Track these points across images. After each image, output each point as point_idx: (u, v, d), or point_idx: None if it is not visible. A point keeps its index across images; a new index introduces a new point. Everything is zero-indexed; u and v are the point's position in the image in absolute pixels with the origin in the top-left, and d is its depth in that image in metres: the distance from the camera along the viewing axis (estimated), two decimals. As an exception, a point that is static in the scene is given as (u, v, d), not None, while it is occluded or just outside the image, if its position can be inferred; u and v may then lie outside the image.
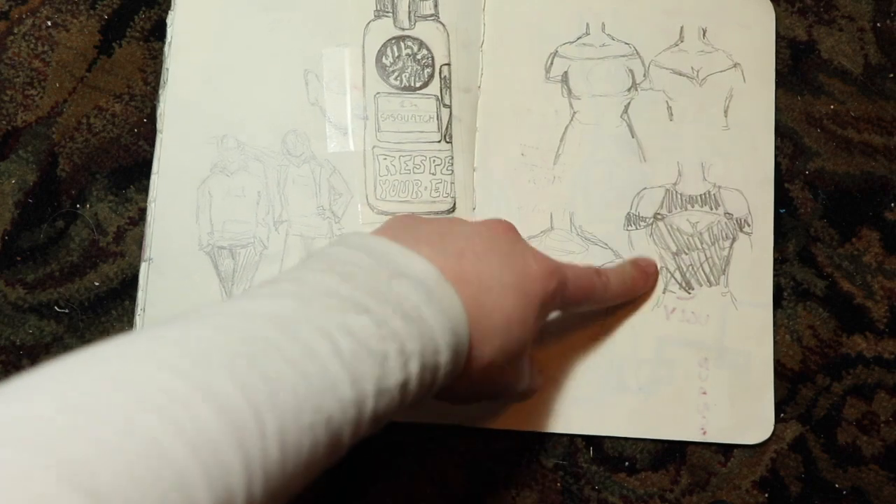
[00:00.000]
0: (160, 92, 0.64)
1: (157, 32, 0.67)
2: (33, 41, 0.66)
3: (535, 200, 0.65)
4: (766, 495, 0.64)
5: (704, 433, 0.63)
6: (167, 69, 0.64)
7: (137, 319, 0.62)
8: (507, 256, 0.52)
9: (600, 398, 0.63)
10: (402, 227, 0.51)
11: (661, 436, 0.63)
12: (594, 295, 0.59)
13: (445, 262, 0.49)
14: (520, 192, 0.65)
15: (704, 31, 0.68)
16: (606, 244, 0.65)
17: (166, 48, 0.65)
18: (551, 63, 0.67)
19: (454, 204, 0.65)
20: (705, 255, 0.65)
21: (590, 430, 0.63)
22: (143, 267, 0.63)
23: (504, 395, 0.55)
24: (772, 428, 0.64)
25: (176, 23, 0.65)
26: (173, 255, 0.63)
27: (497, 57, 0.67)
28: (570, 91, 0.67)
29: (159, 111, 0.64)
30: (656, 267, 0.65)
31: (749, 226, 0.66)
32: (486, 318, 0.49)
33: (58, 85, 0.66)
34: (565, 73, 0.67)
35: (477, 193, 0.65)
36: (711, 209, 0.66)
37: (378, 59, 0.66)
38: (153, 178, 0.64)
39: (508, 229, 0.54)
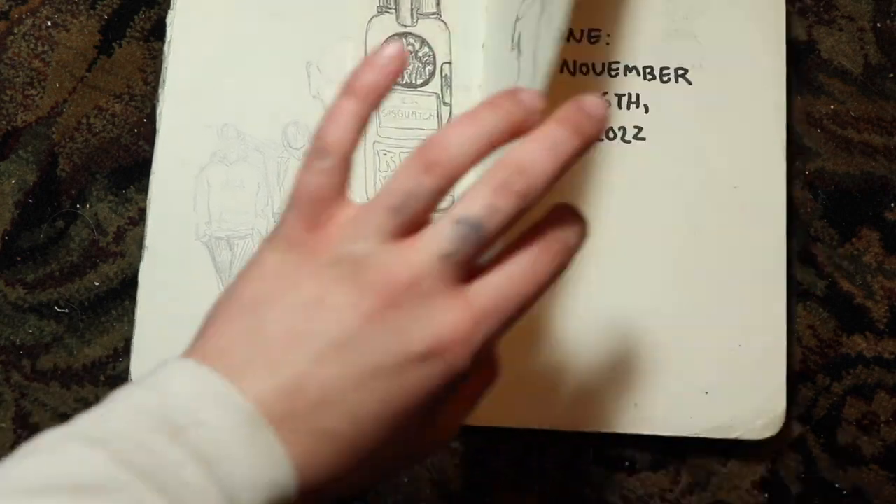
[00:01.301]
0: (160, 91, 0.64)
1: (157, 32, 0.67)
2: (33, 41, 0.66)
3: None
4: (766, 495, 0.64)
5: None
6: (166, 68, 0.64)
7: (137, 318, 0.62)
8: (376, 353, 0.41)
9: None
10: (241, 334, 0.41)
11: (667, 432, 0.62)
12: (540, 291, 0.43)
13: (275, 396, 0.40)
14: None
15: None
16: None
17: (166, 47, 0.64)
18: None
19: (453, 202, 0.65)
20: None
21: (593, 427, 0.63)
22: (143, 265, 0.62)
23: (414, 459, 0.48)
24: (782, 421, 0.63)
25: (176, 19, 0.65)
26: (170, 244, 0.63)
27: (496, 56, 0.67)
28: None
29: (159, 110, 0.64)
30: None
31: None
32: (320, 465, 0.41)
33: (58, 85, 0.66)
34: (566, 72, 0.67)
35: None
36: None
37: None
38: (152, 177, 0.63)
39: (396, 299, 0.41)
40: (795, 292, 0.66)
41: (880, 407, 0.65)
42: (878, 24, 0.70)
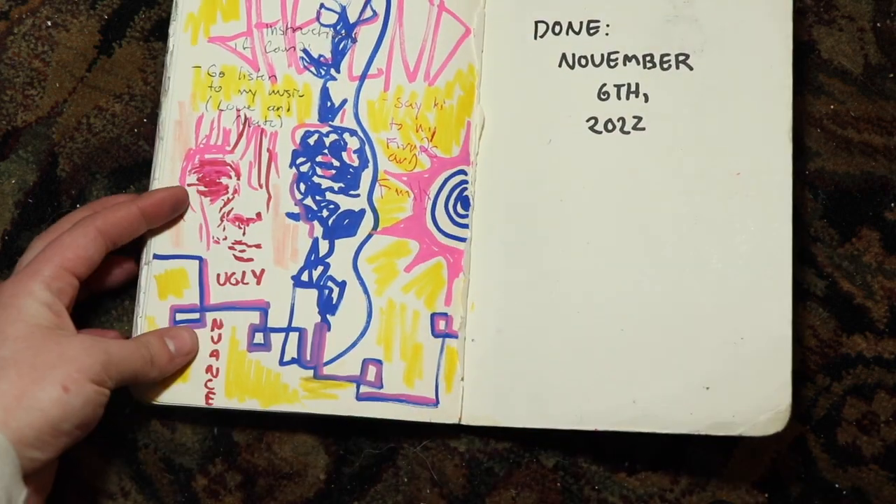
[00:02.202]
0: (162, 99, 0.64)
1: (157, 32, 0.67)
2: (33, 41, 0.66)
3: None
4: (766, 495, 0.64)
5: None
6: (168, 78, 0.64)
7: (139, 321, 0.62)
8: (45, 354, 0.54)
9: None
10: None
11: (667, 430, 0.62)
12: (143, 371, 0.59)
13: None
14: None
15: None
16: None
17: (168, 57, 0.64)
18: None
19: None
20: None
21: (591, 426, 0.62)
22: (145, 269, 0.62)
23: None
24: (788, 416, 0.61)
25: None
26: None
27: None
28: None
29: (161, 118, 0.63)
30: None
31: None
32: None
33: (58, 85, 0.66)
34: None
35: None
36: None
37: None
38: (153, 184, 0.63)
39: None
40: (795, 292, 0.66)
41: (880, 407, 0.65)
42: (878, 24, 0.70)
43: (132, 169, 0.66)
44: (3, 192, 0.65)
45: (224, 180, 0.63)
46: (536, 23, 0.67)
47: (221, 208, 0.63)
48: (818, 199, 0.68)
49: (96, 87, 0.66)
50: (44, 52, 0.66)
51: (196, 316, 0.62)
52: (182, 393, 0.61)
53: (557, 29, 0.67)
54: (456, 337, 0.64)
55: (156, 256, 0.62)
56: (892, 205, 0.68)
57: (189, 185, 0.63)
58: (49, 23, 0.67)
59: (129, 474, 0.63)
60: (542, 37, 0.67)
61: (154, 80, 0.67)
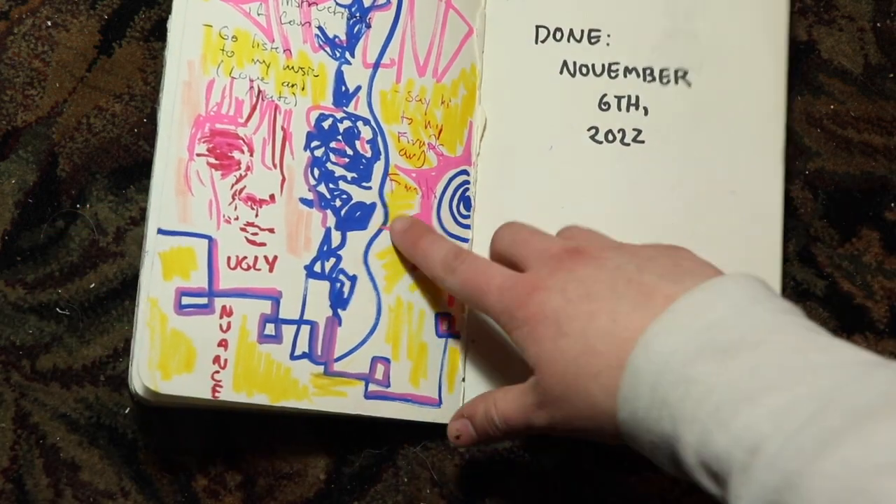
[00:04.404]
0: (161, 96, 0.63)
1: (157, 32, 0.67)
2: (33, 41, 0.66)
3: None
4: (767, 495, 0.64)
5: None
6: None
7: (142, 304, 0.61)
8: None
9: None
10: None
11: None
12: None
13: None
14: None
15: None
16: None
17: (166, 53, 0.64)
18: None
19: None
20: None
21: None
22: (149, 244, 0.61)
23: None
24: None
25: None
26: None
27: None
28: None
29: (160, 115, 0.63)
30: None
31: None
32: None
33: (58, 85, 0.66)
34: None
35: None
36: None
37: None
38: (158, 149, 0.61)
39: None
40: (795, 292, 0.66)
41: (880, 407, 0.65)
42: (878, 24, 0.70)
43: (132, 169, 0.66)
44: (3, 192, 0.65)
45: (236, 154, 0.60)
46: (537, 27, 0.67)
47: (233, 185, 0.60)
48: (818, 199, 0.68)
49: (96, 87, 0.66)
50: (44, 52, 0.66)
51: (204, 301, 0.58)
52: (187, 384, 0.57)
53: (559, 35, 0.67)
54: (458, 337, 0.64)
55: (161, 231, 0.58)
56: (892, 205, 0.68)
57: (198, 154, 0.59)
58: (49, 23, 0.67)
59: (129, 474, 0.63)
60: (543, 42, 0.67)
61: (154, 80, 0.67)
